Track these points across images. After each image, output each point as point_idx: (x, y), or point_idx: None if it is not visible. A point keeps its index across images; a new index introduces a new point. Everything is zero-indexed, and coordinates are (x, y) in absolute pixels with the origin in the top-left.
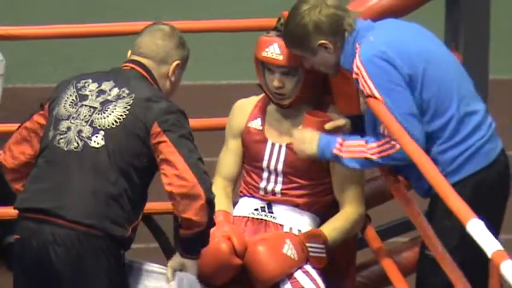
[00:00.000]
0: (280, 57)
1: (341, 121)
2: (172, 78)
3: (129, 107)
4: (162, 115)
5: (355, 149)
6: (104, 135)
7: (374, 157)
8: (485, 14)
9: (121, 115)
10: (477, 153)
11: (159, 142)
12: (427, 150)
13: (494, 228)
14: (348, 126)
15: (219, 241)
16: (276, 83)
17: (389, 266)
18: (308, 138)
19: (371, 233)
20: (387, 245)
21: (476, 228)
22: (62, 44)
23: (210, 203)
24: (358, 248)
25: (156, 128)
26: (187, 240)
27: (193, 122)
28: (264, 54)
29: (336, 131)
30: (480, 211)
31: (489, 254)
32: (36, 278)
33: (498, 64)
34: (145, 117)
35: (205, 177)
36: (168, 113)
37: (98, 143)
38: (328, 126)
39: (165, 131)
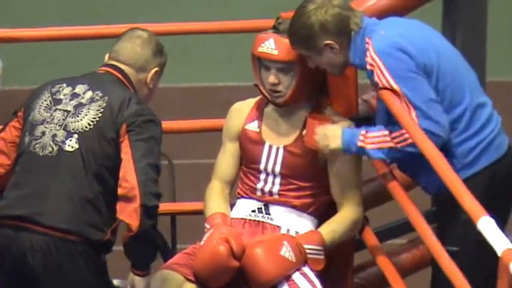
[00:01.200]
0: (275, 52)
1: (344, 123)
2: (151, 85)
3: (102, 110)
4: (131, 117)
5: (379, 139)
6: (77, 139)
7: (399, 146)
8: (482, 15)
9: (94, 118)
10: (491, 145)
11: (122, 141)
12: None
13: (503, 221)
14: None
15: (217, 243)
16: (271, 79)
17: (387, 268)
18: (331, 133)
19: (369, 235)
20: (385, 246)
21: (487, 226)
22: (60, 46)
23: (145, 209)
24: (356, 249)
25: (123, 129)
26: (126, 246)
27: (190, 124)
28: (259, 49)
29: None
30: (493, 204)
31: (499, 253)
32: (18, 284)
33: (495, 66)
34: (117, 120)
35: (148, 183)
36: (138, 115)
37: (72, 147)
38: None
39: (128, 132)
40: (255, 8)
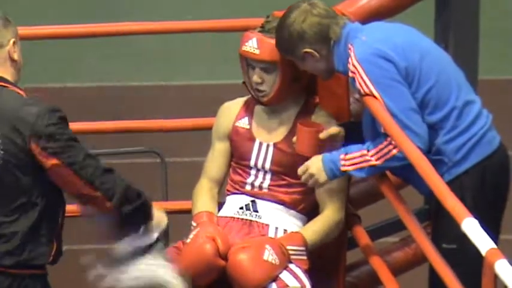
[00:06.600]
0: (257, 52)
1: (335, 129)
2: (15, 57)
3: None
4: (36, 136)
5: (358, 159)
6: None
7: (379, 162)
8: (475, 15)
9: None
10: (481, 141)
11: (48, 164)
12: (431, 142)
13: (496, 216)
14: (342, 134)
15: (203, 242)
16: (255, 78)
17: (379, 266)
18: (314, 170)
19: (361, 233)
20: (377, 245)
21: (471, 227)
22: (52, 44)
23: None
24: (348, 248)
25: (36, 149)
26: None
27: (183, 122)
28: (243, 48)
29: (330, 139)
30: (485, 200)
31: (483, 253)
32: None
33: (486, 65)
34: (21, 145)
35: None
36: (43, 131)
37: None
38: (322, 135)
39: (50, 153)
40: (250, 7)
